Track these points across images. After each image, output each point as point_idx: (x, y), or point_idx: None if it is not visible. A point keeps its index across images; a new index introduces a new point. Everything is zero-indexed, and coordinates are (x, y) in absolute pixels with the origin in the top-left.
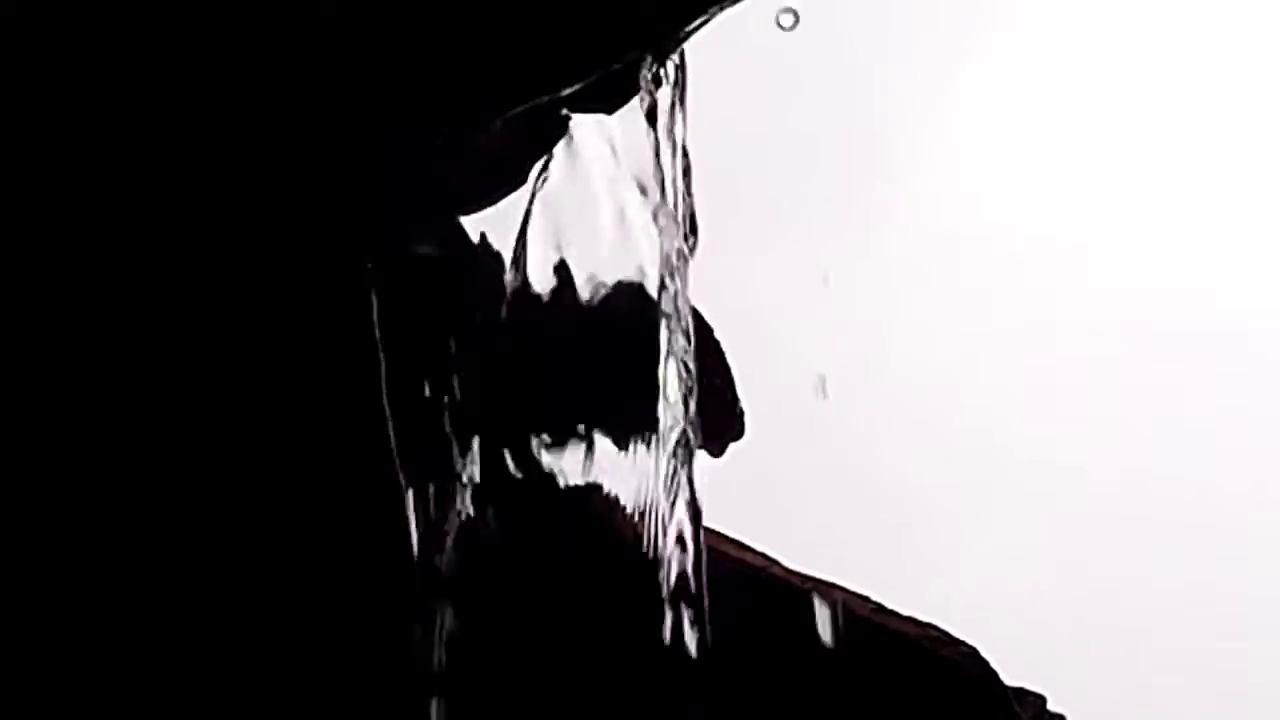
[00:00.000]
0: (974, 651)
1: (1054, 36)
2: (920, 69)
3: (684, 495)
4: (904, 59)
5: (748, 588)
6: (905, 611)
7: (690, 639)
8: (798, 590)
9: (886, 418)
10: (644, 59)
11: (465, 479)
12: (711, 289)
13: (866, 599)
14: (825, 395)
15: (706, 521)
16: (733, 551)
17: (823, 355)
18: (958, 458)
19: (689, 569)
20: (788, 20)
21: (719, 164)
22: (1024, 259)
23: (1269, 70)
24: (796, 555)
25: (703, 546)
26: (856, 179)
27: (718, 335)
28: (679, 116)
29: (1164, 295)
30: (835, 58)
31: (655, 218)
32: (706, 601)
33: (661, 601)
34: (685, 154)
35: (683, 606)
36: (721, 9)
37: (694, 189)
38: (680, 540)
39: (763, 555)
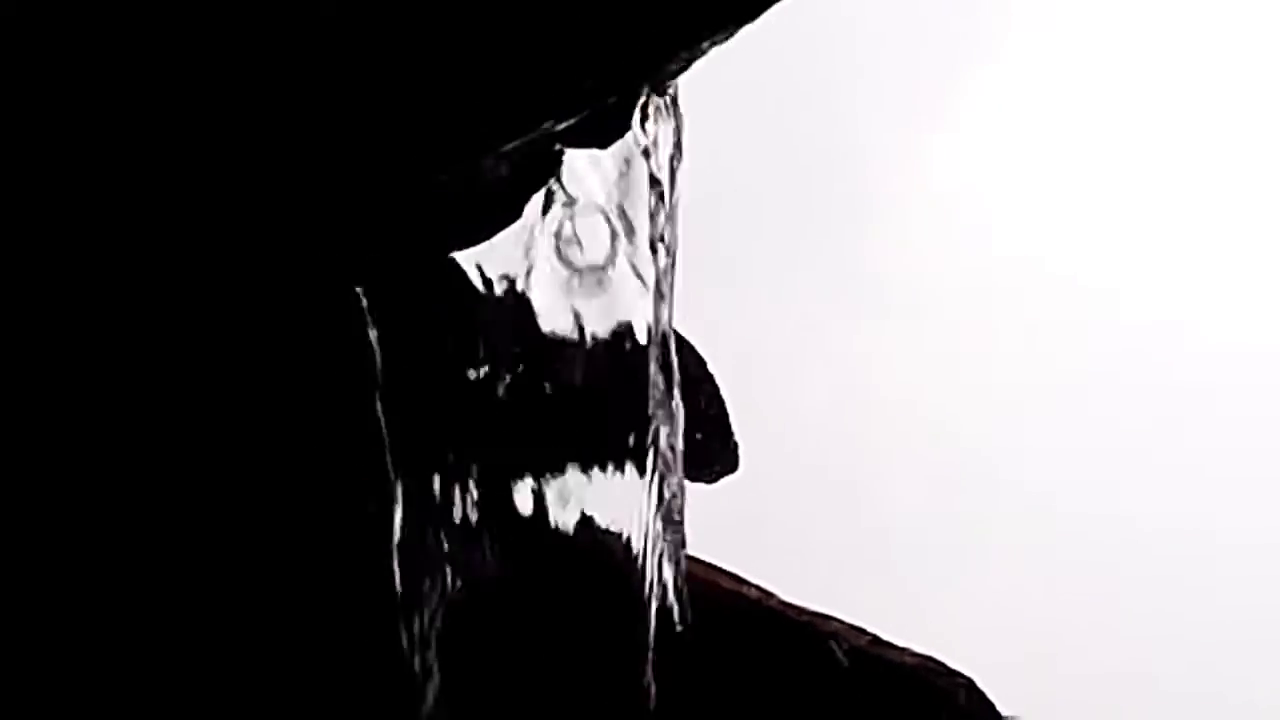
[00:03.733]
0: (971, 683)
1: (1043, 75)
2: (905, 110)
3: (663, 525)
4: (889, 97)
5: (744, 620)
6: (902, 643)
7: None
8: (794, 623)
9: (882, 450)
10: (640, 92)
11: (452, 512)
12: (706, 324)
13: (863, 630)
14: None
15: (702, 555)
16: (728, 584)
17: (818, 388)
18: (954, 489)
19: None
20: None
21: (706, 201)
22: (1021, 295)
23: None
24: (793, 588)
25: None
26: (848, 209)
27: (711, 368)
28: (674, 150)
29: (1165, 330)
30: (819, 97)
31: (653, 246)
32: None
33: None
34: (673, 183)
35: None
36: (714, 44)
37: (679, 223)
38: (663, 572)
39: (759, 588)
